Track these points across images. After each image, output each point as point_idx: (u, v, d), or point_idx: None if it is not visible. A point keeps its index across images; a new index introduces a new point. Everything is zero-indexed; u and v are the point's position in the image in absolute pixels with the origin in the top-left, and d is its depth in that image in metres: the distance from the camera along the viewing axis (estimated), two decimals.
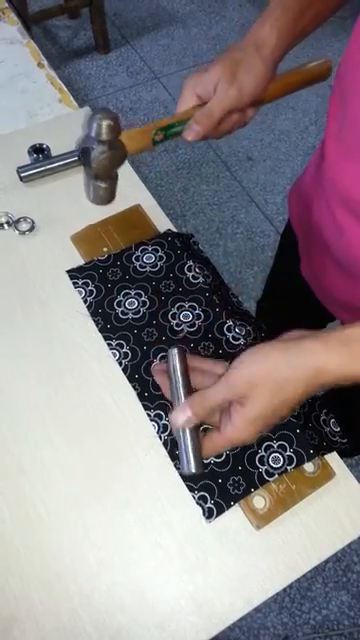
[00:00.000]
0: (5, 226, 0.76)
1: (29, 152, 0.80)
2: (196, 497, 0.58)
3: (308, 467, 0.60)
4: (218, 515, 0.57)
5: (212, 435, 0.54)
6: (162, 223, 0.77)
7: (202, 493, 0.58)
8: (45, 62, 0.97)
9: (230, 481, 0.58)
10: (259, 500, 0.58)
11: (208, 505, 0.58)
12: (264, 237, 2.04)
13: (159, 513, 0.58)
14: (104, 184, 0.68)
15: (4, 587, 0.54)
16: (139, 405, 0.63)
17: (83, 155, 0.66)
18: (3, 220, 0.76)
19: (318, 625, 1.44)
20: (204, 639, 0.53)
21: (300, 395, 0.50)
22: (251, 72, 0.63)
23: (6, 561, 0.55)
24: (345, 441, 0.62)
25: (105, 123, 0.61)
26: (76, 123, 0.87)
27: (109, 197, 0.70)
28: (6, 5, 1.06)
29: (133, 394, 0.64)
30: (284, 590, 1.51)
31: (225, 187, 2.18)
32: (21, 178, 0.79)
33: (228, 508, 0.57)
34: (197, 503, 0.58)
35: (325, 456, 0.60)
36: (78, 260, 0.74)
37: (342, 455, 0.62)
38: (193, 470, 0.53)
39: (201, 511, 0.58)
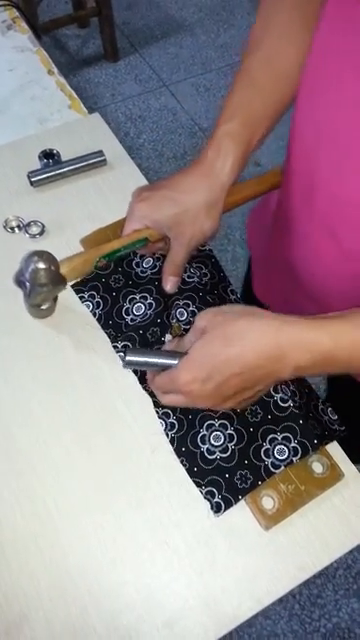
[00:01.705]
0: (16, 230, 0.77)
1: (39, 157, 0.81)
2: (204, 492, 0.58)
3: (317, 468, 0.60)
4: (226, 509, 0.57)
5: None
6: None
7: (210, 488, 0.58)
8: (55, 69, 0.98)
9: (237, 475, 0.58)
10: (268, 501, 0.58)
11: (216, 500, 0.58)
12: None
13: (168, 513, 0.58)
14: (44, 307, 0.68)
15: (15, 585, 0.54)
16: (148, 405, 0.64)
17: (18, 284, 0.63)
18: (14, 224, 0.77)
19: (329, 633, 1.43)
20: (212, 639, 0.53)
21: (263, 370, 0.51)
22: (208, 219, 0.62)
23: (17, 559, 0.56)
24: (343, 428, 0.62)
25: (42, 269, 0.59)
26: (86, 129, 0.88)
27: (48, 312, 0.69)
28: (17, 14, 1.07)
29: (142, 396, 0.64)
30: (294, 597, 1.50)
31: None
32: (31, 183, 0.80)
33: (236, 502, 0.58)
34: (205, 498, 0.58)
35: (334, 457, 0.60)
36: None
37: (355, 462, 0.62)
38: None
39: (209, 506, 0.58)
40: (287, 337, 0.50)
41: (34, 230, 0.76)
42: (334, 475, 0.59)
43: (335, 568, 1.49)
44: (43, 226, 0.77)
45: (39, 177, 0.80)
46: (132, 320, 0.69)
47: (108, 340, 0.68)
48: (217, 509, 0.57)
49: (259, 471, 0.59)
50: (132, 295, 0.70)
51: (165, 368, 0.56)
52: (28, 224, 0.77)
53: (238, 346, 0.50)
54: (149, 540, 0.57)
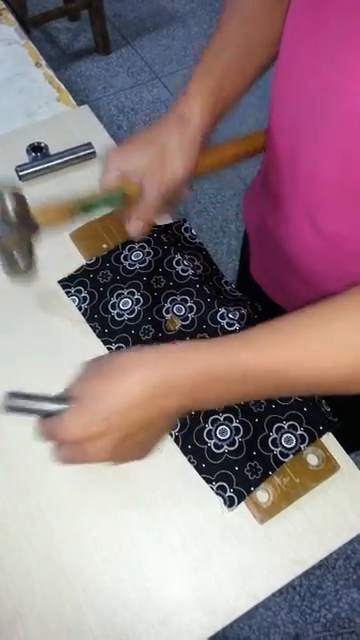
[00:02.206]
0: None
1: (27, 151, 0.80)
2: (215, 488, 0.58)
3: (312, 460, 0.59)
4: (239, 502, 0.57)
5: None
6: (161, 218, 0.77)
7: (220, 483, 0.58)
8: (43, 62, 0.97)
9: (247, 467, 0.58)
10: (263, 494, 0.57)
11: (228, 494, 0.57)
12: None
13: (162, 509, 0.58)
14: (19, 260, 0.62)
15: (8, 583, 0.54)
16: None
17: None
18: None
19: (329, 623, 1.43)
20: (209, 634, 0.53)
21: (140, 401, 0.47)
22: (178, 159, 0.62)
23: (10, 558, 0.55)
24: (336, 420, 0.62)
25: (11, 206, 0.57)
26: (74, 121, 0.87)
27: (25, 267, 0.63)
28: (3, 6, 1.06)
29: None
30: (294, 588, 1.51)
31: (228, 184, 2.17)
32: (20, 177, 0.79)
33: (249, 494, 0.57)
34: (217, 493, 0.58)
35: (329, 449, 0.60)
36: (78, 257, 0.73)
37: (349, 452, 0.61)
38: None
39: (222, 501, 0.57)
40: (168, 361, 0.48)
41: None
42: (329, 467, 0.59)
43: (335, 559, 1.49)
44: None
45: (27, 171, 0.79)
46: (119, 315, 0.68)
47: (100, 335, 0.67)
48: (230, 503, 0.57)
49: (269, 461, 0.59)
50: (119, 290, 0.70)
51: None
52: None
53: (121, 381, 0.48)
54: (143, 537, 0.56)
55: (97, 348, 0.67)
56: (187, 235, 0.76)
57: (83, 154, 0.81)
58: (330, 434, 0.61)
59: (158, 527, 0.57)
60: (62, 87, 0.94)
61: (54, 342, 0.67)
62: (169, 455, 0.60)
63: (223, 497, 0.57)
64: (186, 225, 0.76)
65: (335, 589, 1.47)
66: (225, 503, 0.57)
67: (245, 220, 0.86)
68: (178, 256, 0.71)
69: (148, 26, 2.73)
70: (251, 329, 0.48)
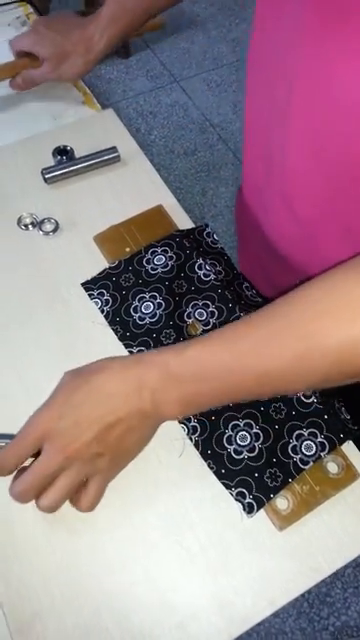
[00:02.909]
0: (30, 227, 0.77)
1: (53, 154, 0.81)
2: (234, 494, 0.58)
3: (332, 468, 0.59)
4: (259, 509, 0.57)
5: None
6: (184, 223, 0.78)
7: (240, 489, 0.58)
8: None
9: (267, 474, 0.58)
10: (282, 501, 0.58)
11: (247, 500, 0.57)
12: None
13: (181, 513, 0.58)
14: None
15: (27, 584, 0.54)
16: None
17: None
18: (28, 221, 0.77)
19: (337, 631, 1.42)
20: None
21: (122, 411, 0.50)
22: (74, 68, 0.86)
23: (29, 558, 0.56)
24: (356, 428, 0.62)
25: None
26: (99, 125, 0.88)
27: None
28: (30, 10, 1.07)
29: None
30: (302, 595, 1.50)
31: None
32: (45, 180, 0.80)
33: (268, 501, 0.57)
34: (236, 499, 0.58)
35: (349, 457, 0.60)
36: (101, 260, 0.74)
37: None
38: None
39: (241, 507, 0.58)
40: (138, 364, 0.51)
41: (48, 227, 0.76)
42: (350, 475, 0.59)
43: (344, 566, 1.47)
44: (57, 223, 0.76)
45: (53, 174, 0.80)
46: (140, 319, 0.68)
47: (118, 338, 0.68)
48: (249, 510, 0.57)
49: (289, 468, 0.59)
50: (142, 294, 0.70)
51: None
52: (42, 221, 0.77)
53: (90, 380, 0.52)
54: (161, 540, 0.57)
55: (119, 351, 0.67)
56: (209, 240, 0.76)
57: (108, 158, 0.82)
58: (350, 442, 0.61)
59: (176, 531, 0.57)
60: (87, 91, 0.95)
61: (73, 342, 0.68)
62: (189, 459, 0.60)
63: (242, 503, 0.58)
64: (208, 230, 0.77)
65: (344, 597, 1.46)
66: (244, 509, 0.57)
67: (235, 217, 0.88)
68: (200, 260, 0.72)
69: (168, 29, 2.75)
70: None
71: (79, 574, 0.55)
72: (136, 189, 0.81)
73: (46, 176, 0.79)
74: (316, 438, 0.60)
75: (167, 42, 2.70)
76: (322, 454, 0.59)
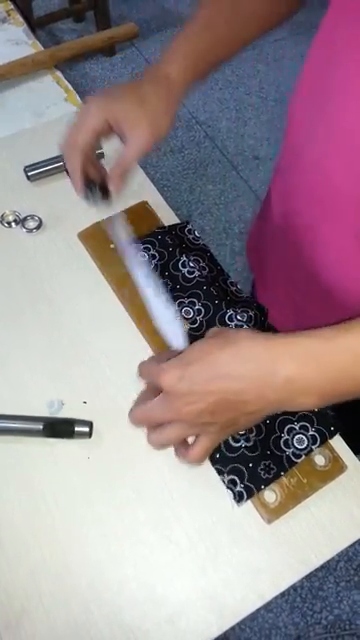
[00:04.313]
0: (13, 224, 0.76)
1: (85, 187, 0.69)
2: (226, 481, 0.58)
3: (319, 461, 0.59)
4: (248, 499, 0.57)
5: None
6: (169, 220, 0.77)
7: (232, 477, 0.58)
8: None
9: (261, 465, 0.58)
10: (270, 494, 0.58)
11: (238, 489, 0.58)
12: None
13: (170, 508, 0.58)
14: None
15: (15, 581, 0.54)
16: None
17: None
18: (11, 218, 0.76)
19: (330, 625, 1.43)
20: (215, 633, 0.53)
21: (248, 395, 0.46)
22: (163, 112, 0.63)
23: (17, 555, 0.55)
24: (341, 423, 0.62)
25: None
26: None
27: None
28: (11, 7, 1.06)
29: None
30: (295, 590, 1.50)
31: (231, 186, 2.18)
32: (28, 177, 0.79)
33: (258, 492, 0.57)
34: (227, 487, 0.58)
35: (337, 450, 0.60)
36: (86, 257, 0.74)
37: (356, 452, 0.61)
38: None
39: (232, 495, 0.58)
40: (279, 346, 0.46)
41: (31, 224, 0.76)
42: (337, 467, 0.59)
43: (336, 561, 1.49)
44: (40, 220, 0.76)
45: (36, 171, 0.79)
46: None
47: (107, 334, 0.68)
48: (239, 498, 0.57)
49: (281, 461, 0.59)
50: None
51: None
52: (25, 218, 0.76)
53: (229, 351, 0.47)
54: (150, 535, 0.57)
55: (103, 347, 0.67)
56: (191, 237, 0.76)
57: None
58: (337, 435, 0.62)
59: (165, 526, 0.57)
60: (70, 87, 0.94)
61: (57, 339, 0.67)
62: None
63: (233, 491, 0.58)
64: (189, 227, 0.77)
65: (336, 591, 1.47)
66: (234, 497, 0.58)
67: (252, 266, 0.86)
68: (183, 258, 0.71)
69: (152, 28, 2.74)
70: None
71: (67, 570, 0.55)
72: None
73: (29, 173, 0.79)
74: (307, 432, 0.60)
75: (152, 40, 2.69)
76: (313, 447, 0.59)
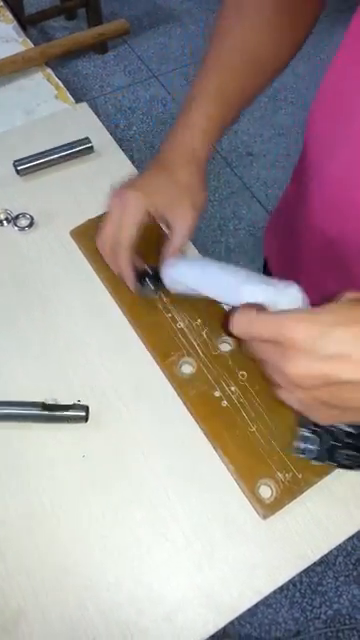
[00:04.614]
0: (4, 222, 0.76)
1: (140, 276, 0.67)
2: (303, 433, 0.56)
3: None
4: (307, 457, 0.56)
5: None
6: None
7: (309, 435, 0.56)
8: None
9: (345, 450, 0.56)
10: (265, 490, 0.57)
11: (307, 445, 0.56)
12: None
13: (165, 505, 0.58)
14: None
15: (11, 581, 0.54)
16: (142, 399, 0.63)
17: None
18: (2, 217, 0.76)
19: (329, 620, 1.43)
20: (213, 630, 0.53)
21: None
22: (199, 193, 0.62)
23: (12, 555, 0.55)
24: None
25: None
26: (73, 119, 0.87)
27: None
28: (1, 4, 1.05)
29: (137, 389, 0.64)
30: (294, 585, 1.51)
31: (226, 183, 2.17)
32: (18, 171, 0.79)
33: (323, 462, 0.56)
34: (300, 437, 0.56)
35: None
36: (78, 255, 0.73)
37: None
38: None
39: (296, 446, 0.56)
40: None
41: (23, 222, 0.75)
42: None
43: (335, 555, 1.50)
44: (32, 218, 0.75)
45: (25, 165, 0.79)
46: None
47: (102, 333, 0.67)
48: (302, 452, 0.56)
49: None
50: None
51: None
52: (17, 217, 0.76)
53: None
54: (146, 533, 0.56)
55: (98, 348, 0.67)
56: None
57: (80, 149, 0.81)
58: None
59: (161, 524, 0.57)
60: (60, 85, 0.94)
61: (51, 339, 0.67)
62: (173, 454, 0.60)
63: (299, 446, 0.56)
64: None
65: (335, 586, 1.47)
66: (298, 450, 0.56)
67: (266, 246, 0.85)
68: None
69: (145, 24, 2.73)
70: None
71: (64, 569, 0.55)
72: (112, 182, 0.80)
73: (18, 168, 0.78)
74: None
75: (144, 37, 2.68)
76: None
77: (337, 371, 0.39)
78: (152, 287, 0.66)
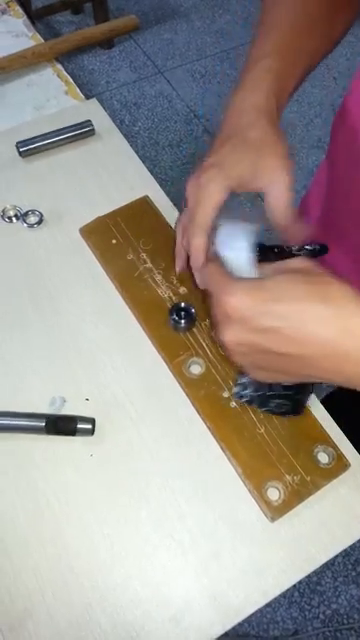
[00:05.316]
0: (14, 219, 0.75)
1: (171, 313, 0.66)
2: (241, 379, 0.61)
3: (322, 458, 0.59)
4: (242, 401, 0.61)
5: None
6: (170, 214, 0.77)
7: (244, 381, 0.60)
8: None
9: (278, 400, 0.60)
10: (273, 492, 0.57)
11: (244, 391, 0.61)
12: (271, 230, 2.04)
13: (172, 507, 0.57)
14: None
15: (18, 581, 0.54)
16: (151, 399, 0.63)
17: None
18: (11, 213, 0.75)
19: (328, 619, 1.44)
20: (219, 632, 0.53)
21: (317, 344, 0.42)
22: (281, 149, 0.55)
23: (19, 555, 0.55)
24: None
25: None
26: (83, 115, 0.86)
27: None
28: None
29: (145, 389, 0.63)
30: (293, 585, 1.51)
31: None
32: (20, 153, 0.79)
33: (257, 408, 0.61)
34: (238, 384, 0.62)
35: (340, 447, 0.60)
36: (87, 252, 0.73)
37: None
38: None
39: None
40: None
41: (32, 219, 0.75)
42: (340, 465, 0.59)
43: (334, 556, 1.50)
44: (41, 215, 0.75)
45: (28, 147, 0.79)
46: None
47: (110, 331, 0.67)
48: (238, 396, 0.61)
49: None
50: None
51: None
52: (26, 213, 0.75)
53: (316, 304, 0.42)
54: (153, 534, 0.56)
55: (107, 344, 0.66)
56: None
57: (82, 131, 0.81)
58: (341, 432, 0.61)
59: (168, 525, 0.57)
60: (70, 80, 0.93)
61: (59, 336, 0.67)
62: (180, 453, 0.60)
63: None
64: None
65: (334, 586, 1.47)
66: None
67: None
68: None
69: (151, 20, 2.72)
70: None
71: (70, 570, 0.54)
72: (121, 180, 0.79)
73: (21, 149, 0.78)
74: None
75: (150, 33, 2.67)
76: None
77: (265, 342, 0.44)
78: (180, 326, 0.65)
